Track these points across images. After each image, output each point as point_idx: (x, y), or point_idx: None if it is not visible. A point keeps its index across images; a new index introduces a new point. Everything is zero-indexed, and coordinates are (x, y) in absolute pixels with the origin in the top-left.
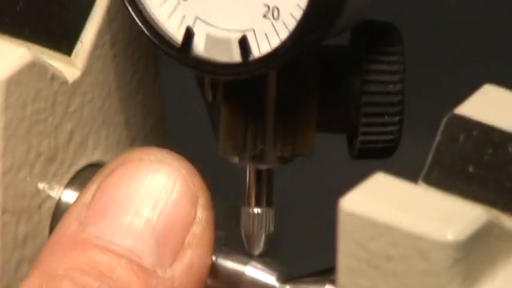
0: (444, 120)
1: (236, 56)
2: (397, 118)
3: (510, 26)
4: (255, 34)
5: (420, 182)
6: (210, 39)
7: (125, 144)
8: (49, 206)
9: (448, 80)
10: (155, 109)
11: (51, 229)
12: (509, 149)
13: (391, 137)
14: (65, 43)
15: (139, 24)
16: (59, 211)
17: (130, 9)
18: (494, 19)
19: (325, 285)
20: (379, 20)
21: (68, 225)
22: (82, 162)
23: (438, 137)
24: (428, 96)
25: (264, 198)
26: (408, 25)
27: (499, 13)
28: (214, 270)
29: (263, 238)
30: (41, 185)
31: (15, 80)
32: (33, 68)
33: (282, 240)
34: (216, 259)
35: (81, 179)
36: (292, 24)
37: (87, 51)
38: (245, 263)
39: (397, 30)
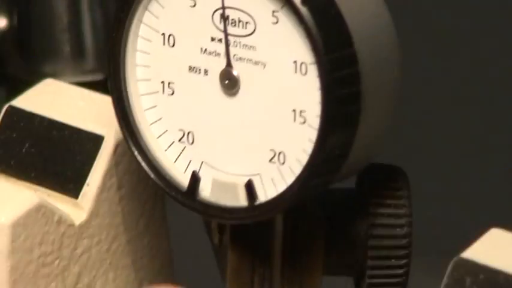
0: (451, 263)
1: (242, 201)
2: (404, 261)
3: None
4: (261, 179)
5: None
6: (217, 184)
7: (132, 286)
8: None
9: (457, 220)
10: (162, 251)
11: None
12: None
13: (398, 279)
14: (71, 186)
15: (145, 168)
16: None
17: (136, 153)
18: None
19: None
20: (385, 164)
21: None
22: None
23: (445, 280)
24: (435, 234)
25: None
26: None
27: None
28: None
29: None
30: None
31: (22, 223)
32: (40, 211)
33: None
34: None
35: None
36: (298, 169)
37: (93, 194)
38: None
39: (404, 174)
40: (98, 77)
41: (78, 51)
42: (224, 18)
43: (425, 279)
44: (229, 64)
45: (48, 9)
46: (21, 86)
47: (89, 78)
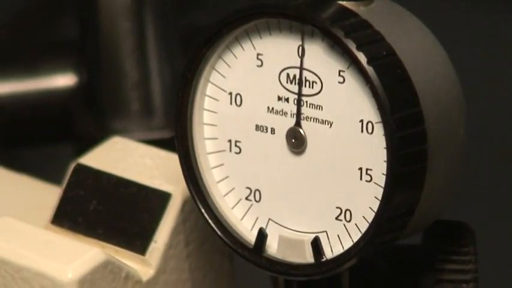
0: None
1: (309, 257)
2: None
3: None
4: (327, 236)
5: None
6: (283, 241)
7: None
8: None
9: None
10: None
11: None
12: None
13: None
14: (139, 243)
15: (212, 225)
16: None
17: (203, 210)
18: None
19: None
20: (452, 220)
21: None
22: None
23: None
24: None
25: None
26: None
27: None
28: None
29: None
30: None
31: (89, 279)
32: (107, 268)
33: None
34: None
35: None
36: (364, 226)
37: (161, 250)
38: None
39: (470, 230)
40: (165, 134)
41: (147, 109)
42: (297, 79)
43: None
44: (298, 123)
45: (117, 66)
46: (89, 143)
47: (156, 135)
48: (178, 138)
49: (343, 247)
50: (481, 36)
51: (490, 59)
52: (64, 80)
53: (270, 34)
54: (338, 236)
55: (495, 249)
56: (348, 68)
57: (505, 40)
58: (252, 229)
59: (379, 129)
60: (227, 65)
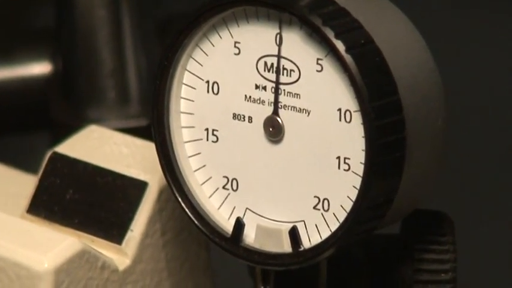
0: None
1: (287, 247)
2: None
3: None
4: (305, 225)
5: None
6: (261, 230)
7: None
8: None
9: None
10: None
11: None
12: None
13: None
14: (115, 232)
15: (189, 214)
16: None
17: (180, 199)
18: None
19: None
20: (430, 209)
21: None
22: None
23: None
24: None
25: None
26: None
27: None
28: None
29: None
30: None
31: (65, 269)
32: (84, 257)
33: None
34: None
35: None
36: (342, 216)
37: (137, 240)
38: None
39: (450, 219)
40: (141, 122)
41: (123, 97)
42: (275, 67)
43: None
44: (276, 112)
45: (93, 54)
46: (65, 132)
47: (133, 124)
48: (155, 127)
49: (321, 237)
50: (463, 32)
51: (470, 53)
52: (40, 68)
53: (248, 22)
54: (316, 225)
55: (474, 238)
56: (326, 56)
57: (485, 36)
58: (229, 218)
59: (357, 118)
60: (204, 53)
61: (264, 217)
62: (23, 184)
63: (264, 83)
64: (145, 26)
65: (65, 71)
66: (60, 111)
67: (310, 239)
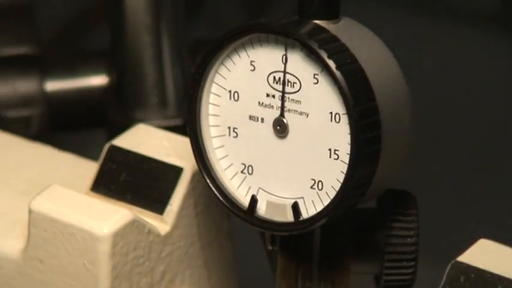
0: (449, 266)
1: (290, 217)
2: (412, 263)
3: None
4: (304, 201)
5: None
6: (270, 205)
7: (203, 281)
8: None
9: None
10: (227, 255)
11: None
12: (499, 287)
13: (408, 277)
14: (158, 205)
15: (215, 192)
16: None
17: (208, 181)
18: None
19: None
20: (399, 189)
21: None
22: None
23: (444, 279)
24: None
25: None
26: None
27: None
28: None
29: None
30: None
31: (120, 234)
32: (134, 224)
33: None
34: None
35: None
36: (333, 194)
37: (175, 211)
38: None
39: (413, 197)
40: (178, 122)
41: (163, 102)
42: (282, 80)
43: (428, 276)
44: (282, 114)
45: (139, 70)
46: (119, 129)
47: (171, 123)
48: (189, 125)
49: (316, 210)
50: (426, 48)
51: (434, 66)
52: (99, 80)
53: (261, 45)
54: (312, 201)
55: (431, 211)
56: (321, 72)
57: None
58: (246, 195)
59: (344, 119)
60: (227, 69)
61: (272, 194)
62: (87, 169)
63: (273, 92)
64: (180, 47)
65: (118, 82)
66: (115, 113)
67: (307, 212)
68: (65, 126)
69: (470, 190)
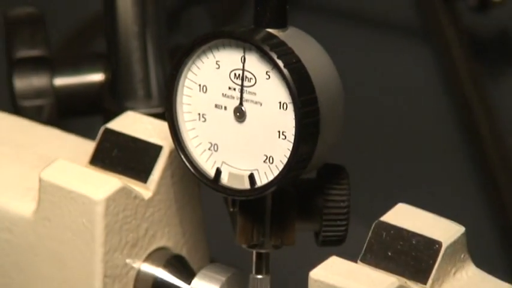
0: (373, 224)
1: (247, 185)
2: (345, 222)
3: None
4: (258, 172)
5: (359, 261)
6: (231, 175)
7: (179, 236)
8: (132, 273)
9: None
10: (198, 216)
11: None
12: (413, 241)
13: (341, 233)
14: (142, 176)
15: (188, 165)
16: (139, 276)
17: (182, 156)
18: None
19: None
20: (334, 163)
21: None
22: (153, 247)
23: (370, 234)
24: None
25: (263, 269)
26: None
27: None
28: None
29: None
30: (128, 260)
31: (111, 198)
32: (123, 191)
33: None
34: None
35: (152, 256)
36: (281, 167)
37: (156, 180)
38: None
39: (345, 169)
40: (160, 110)
41: (148, 94)
42: (241, 76)
43: (357, 233)
44: (241, 103)
45: (129, 69)
46: (112, 115)
47: (154, 111)
48: (167, 112)
49: (267, 179)
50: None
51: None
52: (97, 77)
53: (224, 48)
54: (265, 172)
55: (361, 182)
56: (272, 69)
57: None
58: (212, 168)
59: (290, 107)
60: (197, 67)
61: (233, 167)
62: (87, 147)
63: (234, 86)
64: (161, 51)
65: (112, 78)
66: (109, 103)
67: (261, 181)
68: (69, 113)
69: (391, 167)
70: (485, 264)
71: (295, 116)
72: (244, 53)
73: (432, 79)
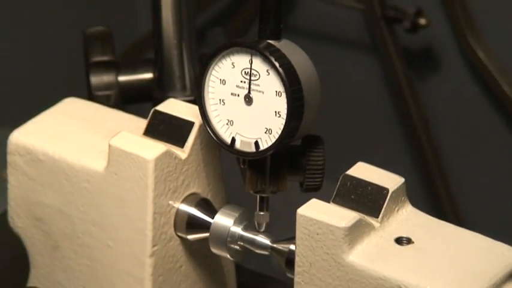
0: (341, 177)
1: (253, 149)
2: (321, 175)
3: None
4: (261, 140)
5: (331, 202)
6: (242, 142)
7: (204, 186)
8: (173, 211)
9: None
10: (219, 171)
11: (175, 226)
12: (369, 188)
13: (318, 182)
14: (180, 143)
15: (212, 135)
16: (178, 213)
17: (208, 129)
18: None
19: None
20: (313, 134)
21: None
22: (187, 192)
23: (338, 184)
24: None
25: (264, 208)
26: None
27: None
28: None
29: (264, 224)
30: (170, 202)
31: (159, 158)
32: (167, 153)
33: (271, 224)
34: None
35: (187, 199)
36: (277, 136)
37: (189, 146)
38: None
39: (321, 138)
40: (192, 98)
41: (184, 87)
42: (249, 73)
43: (329, 185)
44: (249, 92)
45: (171, 71)
46: (158, 102)
47: (188, 98)
48: (198, 99)
49: (268, 145)
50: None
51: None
52: (149, 75)
53: (237, 53)
54: (266, 140)
55: (333, 148)
56: (271, 68)
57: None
58: (229, 137)
59: (284, 95)
60: (219, 67)
61: (244, 136)
62: (142, 123)
63: (244, 79)
64: (193, 57)
65: (159, 76)
66: (157, 94)
67: (263, 146)
68: (130, 101)
69: (354, 138)
70: (414, 204)
71: (287, 100)
72: (251, 56)
73: (377, 82)
